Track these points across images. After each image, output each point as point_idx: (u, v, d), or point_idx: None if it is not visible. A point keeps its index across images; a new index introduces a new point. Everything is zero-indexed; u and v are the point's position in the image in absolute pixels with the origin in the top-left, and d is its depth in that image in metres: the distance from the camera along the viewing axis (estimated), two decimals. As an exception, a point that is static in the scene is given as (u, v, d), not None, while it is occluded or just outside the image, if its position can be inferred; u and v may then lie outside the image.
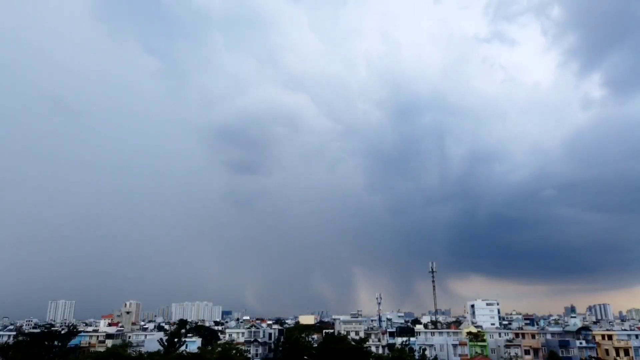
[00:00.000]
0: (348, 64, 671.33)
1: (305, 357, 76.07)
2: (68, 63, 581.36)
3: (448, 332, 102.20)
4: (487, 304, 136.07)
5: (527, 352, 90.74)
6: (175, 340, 73.32)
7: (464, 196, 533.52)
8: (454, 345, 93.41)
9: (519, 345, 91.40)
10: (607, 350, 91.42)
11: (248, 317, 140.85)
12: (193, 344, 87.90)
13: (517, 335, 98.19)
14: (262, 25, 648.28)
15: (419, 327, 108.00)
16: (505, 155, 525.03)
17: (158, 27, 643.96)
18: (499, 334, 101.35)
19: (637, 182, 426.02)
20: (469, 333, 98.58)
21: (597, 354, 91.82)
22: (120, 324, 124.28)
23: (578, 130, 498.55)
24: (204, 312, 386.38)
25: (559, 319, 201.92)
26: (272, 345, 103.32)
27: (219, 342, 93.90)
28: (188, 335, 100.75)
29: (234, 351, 74.37)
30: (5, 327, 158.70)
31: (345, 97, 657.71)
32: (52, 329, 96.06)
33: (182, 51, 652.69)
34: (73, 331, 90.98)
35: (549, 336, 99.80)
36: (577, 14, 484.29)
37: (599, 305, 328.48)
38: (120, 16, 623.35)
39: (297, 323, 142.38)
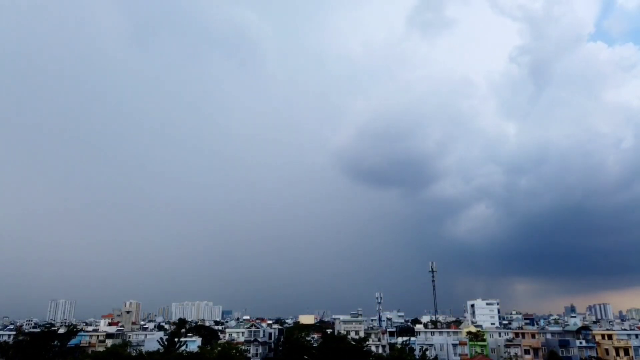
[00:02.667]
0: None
1: (305, 357, 76.08)
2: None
3: (448, 332, 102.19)
4: (487, 304, 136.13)
5: (527, 352, 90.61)
6: (175, 339, 73.44)
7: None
8: (454, 345, 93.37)
9: (519, 345, 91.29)
10: (607, 350, 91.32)
11: (248, 317, 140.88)
12: (193, 343, 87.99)
13: (517, 334, 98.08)
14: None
15: (419, 327, 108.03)
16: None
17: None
18: (499, 333, 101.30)
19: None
20: (469, 333, 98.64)
21: (597, 353, 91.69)
22: (120, 324, 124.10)
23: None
24: (204, 312, 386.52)
25: (559, 319, 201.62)
26: (272, 345, 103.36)
27: (219, 341, 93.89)
28: (188, 334, 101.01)
29: (234, 351, 74.50)
30: (6, 326, 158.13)
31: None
32: (52, 328, 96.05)
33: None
34: (73, 331, 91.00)
35: (549, 336, 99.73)
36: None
37: (599, 305, 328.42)
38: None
39: (297, 323, 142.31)
